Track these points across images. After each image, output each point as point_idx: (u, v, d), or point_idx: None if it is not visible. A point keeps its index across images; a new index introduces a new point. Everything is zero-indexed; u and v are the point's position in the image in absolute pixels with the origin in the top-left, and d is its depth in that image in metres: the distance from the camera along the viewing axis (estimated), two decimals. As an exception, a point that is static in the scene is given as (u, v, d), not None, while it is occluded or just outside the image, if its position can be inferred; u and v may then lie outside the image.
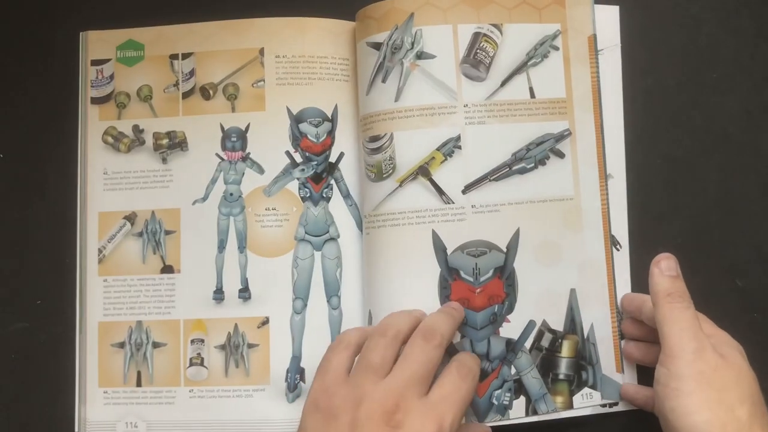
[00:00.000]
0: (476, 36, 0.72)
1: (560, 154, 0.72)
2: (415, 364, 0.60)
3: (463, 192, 0.71)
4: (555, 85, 0.73)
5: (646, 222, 0.73)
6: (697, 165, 0.74)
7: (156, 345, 0.74)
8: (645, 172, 0.74)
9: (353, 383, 0.59)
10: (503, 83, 0.72)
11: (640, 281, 0.72)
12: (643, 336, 0.69)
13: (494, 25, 0.73)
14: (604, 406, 0.71)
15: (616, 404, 0.71)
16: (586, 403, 0.71)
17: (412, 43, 0.72)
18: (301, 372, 0.72)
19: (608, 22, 0.75)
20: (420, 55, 0.72)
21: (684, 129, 0.75)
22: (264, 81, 0.76)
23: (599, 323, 0.71)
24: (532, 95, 0.72)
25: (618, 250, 0.73)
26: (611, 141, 0.73)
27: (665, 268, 0.64)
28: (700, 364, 0.58)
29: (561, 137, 0.72)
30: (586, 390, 0.70)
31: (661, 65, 0.75)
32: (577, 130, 0.73)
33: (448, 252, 0.70)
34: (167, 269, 0.75)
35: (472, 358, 0.65)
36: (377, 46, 0.72)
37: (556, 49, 0.73)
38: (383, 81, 0.72)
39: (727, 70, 0.75)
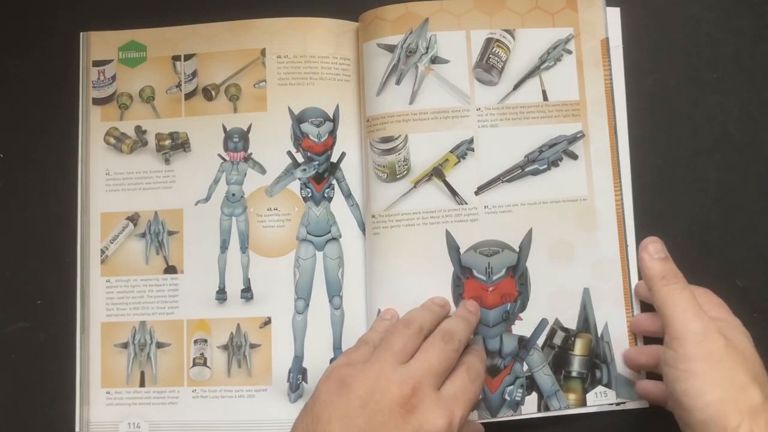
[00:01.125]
0: (489, 41, 0.74)
1: (573, 156, 0.73)
2: (434, 358, 0.61)
3: (476, 193, 0.72)
4: (568, 87, 0.74)
5: (647, 222, 0.73)
6: (697, 165, 0.74)
7: (160, 345, 0.74)
8: (645, 172, 0.74)
9: (372, 361, 0.60)
10: (516, 87, 0.74)
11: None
12: (655, 329, 0.69)
13: (507, 31, 0.74)
14: (618, 404, 0.71)
15: (623, 402, 0.71)
16: (601, 401, 0.71)
17: (427, 48, 0.73)
18: (303, 372, 0.73)
19: (610, 23, 0.75)
20: (434, 60, 0.73)
21: (684, 129, 0.75)
22: (265, 81, 0.76)
23: (614, 322, 0.72)
24: (545, 98, 0.74)
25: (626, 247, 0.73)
26: (619, 137, 0.74)
27: (653, 251, 0.65)
28: (709, 344, 0.58)
29: (574, 139, 0.73)
30: (600, 388, 0.71)
31: (662, 65, 0.75)
32: (591, 132, 0.74)
33: (461, 251, 0.71)
34: (170, 269, 0.75)
35: (481, 361, 0.66)
36: (390, 48, 0.73)
37: (569, 52, 0.74)
38: (397, 83, 0.73)
39: (727, 70, 0.75)
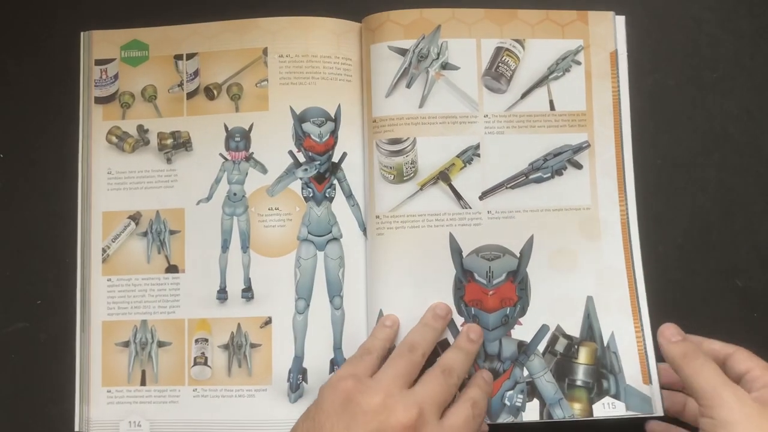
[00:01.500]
0: (498, 50, 0.75)
1: (578, 165, 0.74)
2: (438, 387, 0.63)
3: (480, 198, 0.73)
4: (575, 98, 0.75)
5: (647, 222, 0.73)
6: (697, 165, 0.75)
7: (161, 344, 0.74)
8: (645, 172, 0.74)
9: (378, 379, 0.62)
10: (523, 95, 0.75)
11: (653, 282, 0.72)
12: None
13: (517, 41, 0.75)
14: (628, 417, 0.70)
15: None
16: (609, 413, 0.70)
17: (438, 54, 0.74)
18: (304, 372, 0.72)
19: (617, 33, 0.76)
20: (445, 66, 0.74)
21: (684, 129, 0.75)
22: (267, 81, 0.76)
23: (621, 332, 0.71)
24: (552, 108, 0.75)
25: (633, 253, 0.73)
26: (623, 145, 0.75)
27: (670, 335, 0.65)
28: (746, 409, 0.58)
29: (579, 149, 0.74)
30: (607, 399, 0.70)
31: (662, 66, 0.76)
32: (596, 142, 0.74)
33: (464, 255, 0.72)
34: (172, 269, 0.75)
35: (484, 396, 0.67)
36: (401, 51, 0.74)
37: (578, 63, 0.75)
38: (408, 86, 0.74)
39: (727, 70, 0.76)
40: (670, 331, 0.65)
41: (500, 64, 0.75)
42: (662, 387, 0.70)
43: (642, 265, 0.73)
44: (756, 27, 0.76)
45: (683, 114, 0.75)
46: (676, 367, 0.63)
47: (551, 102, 0.74)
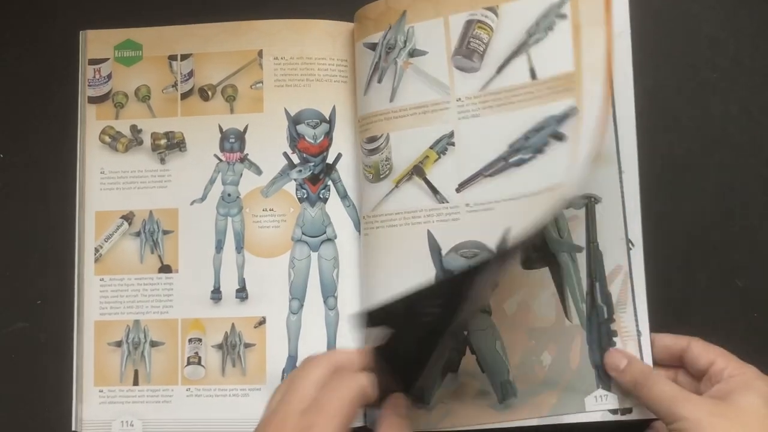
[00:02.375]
0: (469, 24, 0.69)
1: (560, 137, 0.65)
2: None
3: (457, 190, 0.69)
4: (561, 58, 0.65)
5: (646, 222, 0.72)
6: (697, 165, 0.74)
7: (154, 344, 0.74)
8: (645, 172, 0.73)
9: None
10: (499, 69, 0.68)
11: (653, 282, 0.70)
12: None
13: (489, 8, 0.69)
14: (616, 412, 0.67)
15: (629, 411, 0.67)
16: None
17: (405, 42, 0.71)
18: (298, 372, 0.72)
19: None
20: (412, 53, 0.71)
21: (684, 129, 0.74)
22: (262, 82, 0.76)
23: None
24: (533, 76, 0.67)
25: (631, 248, 0.68)
26: (623, 132, 0.69)
27: (613, 366, 0.66)
28: (705, 415, 0.58)
29: (564, 117, 0.65)
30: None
31: (662, 65, 0.75)
32: (585, 105, 0.63)
33: (443, 253, 0.68)
34: (165, 269, 0.75)
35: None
36: (373, 46, 0.73)
37: (563, 17, 0.66)
38: (379, 81, 0.72)
39: (727, 70, 0.75)
40: (613, 358, 0.66)
41: (471, 40, 0.69)
42: None
43: (643, 246, 0.68)
44: (756, 27, 0.75)
45: (683, 114, 0.75)
46: (633, 394, 0.64)
47: (532, 70, 0.67)
